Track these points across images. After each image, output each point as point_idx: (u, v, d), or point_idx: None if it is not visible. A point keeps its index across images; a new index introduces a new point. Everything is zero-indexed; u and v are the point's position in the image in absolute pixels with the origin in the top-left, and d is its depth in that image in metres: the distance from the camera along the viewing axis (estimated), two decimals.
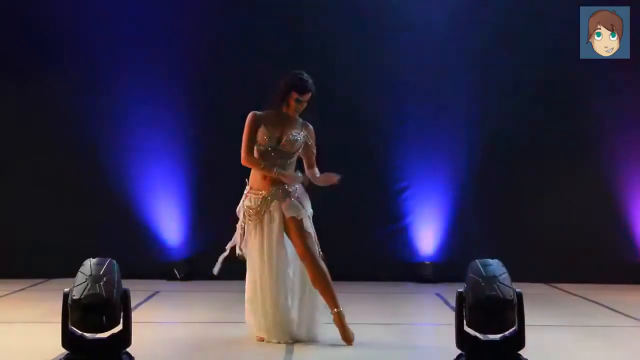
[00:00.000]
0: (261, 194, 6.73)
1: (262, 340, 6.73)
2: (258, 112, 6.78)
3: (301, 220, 6.70)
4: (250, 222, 6.77)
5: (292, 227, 6.70)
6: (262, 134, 6.71)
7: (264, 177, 6.73)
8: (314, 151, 6.89)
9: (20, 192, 10.60)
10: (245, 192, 6.84)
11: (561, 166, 10.58)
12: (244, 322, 6.90)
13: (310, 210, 6.80)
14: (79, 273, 5.00)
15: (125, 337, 5.07)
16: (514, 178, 10.61)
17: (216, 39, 10.58)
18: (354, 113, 10.52)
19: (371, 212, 10.55)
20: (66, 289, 5.04)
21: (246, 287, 6.88)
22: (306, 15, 10.58)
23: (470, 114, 10.61)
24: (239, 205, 6.86)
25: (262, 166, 6.70)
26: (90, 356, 5.04)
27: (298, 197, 6.75)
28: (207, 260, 10.33)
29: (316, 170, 6.90)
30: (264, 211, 6.72)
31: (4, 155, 10.64)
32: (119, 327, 5.06)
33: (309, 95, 6.74)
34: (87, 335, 5.02)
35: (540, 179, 10.60)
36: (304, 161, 6.91)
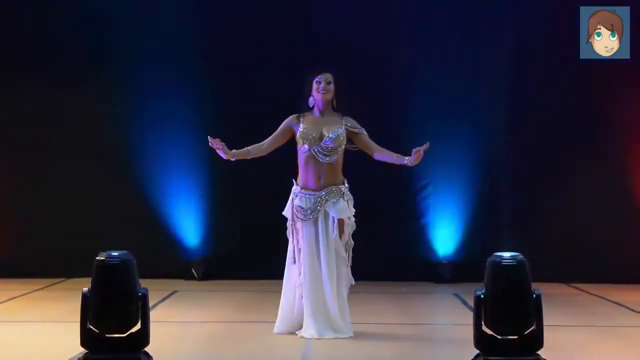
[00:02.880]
0: (315, 194, 6.82)
1: (293, 334, 6.80)
2: (296, 114, 6.93)
3: (348, 224, 6.85)
4: (298, 220, 6.84)
5: (340, 229, 6.85)
6: (301, 135, 6.83)
7: (317, 178, 6.82)
8: (366, 135, 6.99)
9: (39, 192, 10.62)
10: (294, 191, 6.91)
11: (574, 165, 10.51)
12: (262, 322, 6.91)
13: (352, 210, 6.92)
14: (94, 273, 5.03)
15: (143, 336, 5.09)
16: (533, 177, 10.56)
17: (239, 37, 10.55)
18: (373, 111, 10.47)
19: (389, 211, 10.50)
20: (84, 289, 5.07)
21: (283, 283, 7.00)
22: (329, 13, 10.56)
23: (486, 114, 10.58)
24: (287, 205, 6.94)
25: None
26: (109, 355, 5.06)
27: (348, 200, 6.88)
28: (225, 260, 10.46)
29: (384, 150, 7.02)
30: (318, 210, 6.80)
31: (22, 156, 10.66)
32: (137, 327, 5.07)
33: (326, 74, 6.86)
34: (106, 334, 5.04)
35: (558, 178, 10.53)
36: (367, 150, 7.01)
